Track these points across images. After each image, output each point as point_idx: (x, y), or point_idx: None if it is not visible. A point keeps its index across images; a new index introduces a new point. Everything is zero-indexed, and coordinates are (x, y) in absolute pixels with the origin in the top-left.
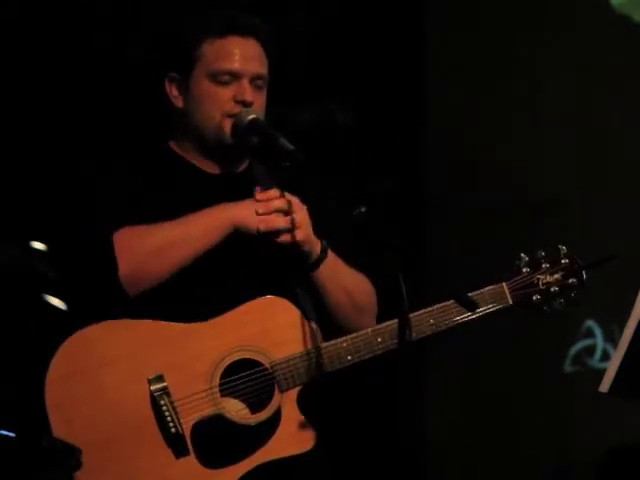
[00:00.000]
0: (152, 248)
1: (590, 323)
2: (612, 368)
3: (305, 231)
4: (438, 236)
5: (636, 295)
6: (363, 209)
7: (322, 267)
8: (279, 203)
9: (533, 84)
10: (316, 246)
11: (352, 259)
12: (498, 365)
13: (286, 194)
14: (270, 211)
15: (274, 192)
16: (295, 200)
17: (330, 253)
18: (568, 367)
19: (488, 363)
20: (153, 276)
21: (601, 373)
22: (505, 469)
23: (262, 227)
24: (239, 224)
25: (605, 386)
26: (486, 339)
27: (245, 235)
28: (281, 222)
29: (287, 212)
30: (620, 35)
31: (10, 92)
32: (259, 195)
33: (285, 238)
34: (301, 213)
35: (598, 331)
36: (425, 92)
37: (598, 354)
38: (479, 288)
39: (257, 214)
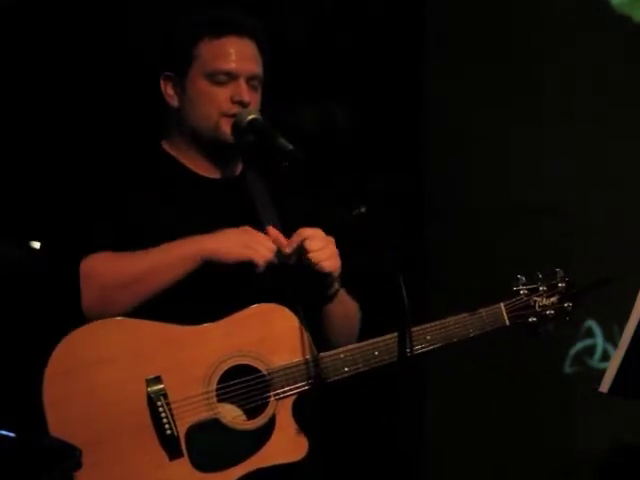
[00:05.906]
0: (118, 283)
1: (590, 323)
2: (612, 368)
3: (335, 263)
4: (438, 236)
5: (636, 295)
6: (363, 209)
7: (336, 298)
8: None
9: (533, 84)
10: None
11: (352, 259)
12: (498, 365)
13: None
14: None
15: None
16: (319, 233)
17: None
18: (568, 367)
19: (488, 363)
20: (116, 309)
21: (601, 373)
22: (505, 469)
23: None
24: (209, 257)
25: (605, 386)
26: (485, 339)
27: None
28: (269, 255)
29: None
30: (620, 35)
31: (4, 92)
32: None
33: (322, 266)
34: (329, 246)
35: (598, 331)
36: (425, 92)
37: (598, 354)
38: (479, 288)
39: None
